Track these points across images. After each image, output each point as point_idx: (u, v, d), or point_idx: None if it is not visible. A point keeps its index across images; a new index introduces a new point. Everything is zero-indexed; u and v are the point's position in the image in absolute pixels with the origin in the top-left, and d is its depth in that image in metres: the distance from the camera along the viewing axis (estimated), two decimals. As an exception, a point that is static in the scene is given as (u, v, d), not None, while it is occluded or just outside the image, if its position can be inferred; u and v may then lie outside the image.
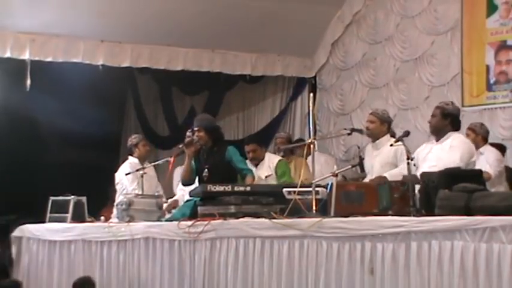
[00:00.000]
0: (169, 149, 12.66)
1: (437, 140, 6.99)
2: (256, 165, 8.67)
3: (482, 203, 5.34)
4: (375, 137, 7.59)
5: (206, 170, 7.88)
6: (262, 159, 8.69)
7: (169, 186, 10.01)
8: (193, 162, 8.00)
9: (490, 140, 9.05)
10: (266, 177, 8.59)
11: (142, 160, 9.34)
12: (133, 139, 9.60)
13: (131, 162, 9.40)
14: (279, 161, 8.74)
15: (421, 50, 11.01)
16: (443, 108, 7.03)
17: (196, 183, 7.99)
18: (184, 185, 8.28)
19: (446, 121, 6.98)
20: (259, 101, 13.03)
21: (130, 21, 10.68)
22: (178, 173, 9.96)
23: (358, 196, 6.26)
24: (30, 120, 11.79)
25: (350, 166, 7.78)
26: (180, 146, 7.99)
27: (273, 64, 12.16)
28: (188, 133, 9.10)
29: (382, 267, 5.55)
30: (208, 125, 7.98)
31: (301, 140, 10.60)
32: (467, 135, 8.92)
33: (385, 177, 6.88)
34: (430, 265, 5.25)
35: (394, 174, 6.84)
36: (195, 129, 7.93)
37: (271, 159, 8.74)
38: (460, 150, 6.80)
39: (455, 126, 7.03)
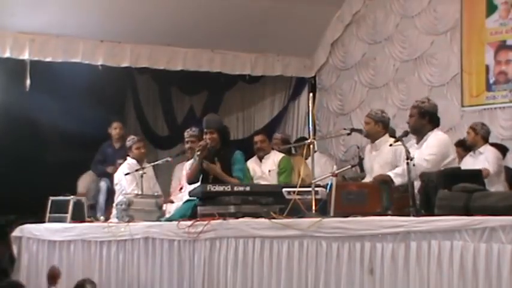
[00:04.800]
0: (168, 149, 12.66)
1: (417, 142, 6.99)
2: (261, 159, 9.14)
3: (482, 203, 5.35)
4: (372, 137, 7.61)
5: None
6: (268, 152, 9.20)
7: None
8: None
9: (490, 140, 9.06)
10: (269, 171, 9.00)
11: (140, 161, 9.34)
12: (128, 141, 9.61)
13: (129, 163, 9.41)
14: (283, 157, 9.15)
15: (420, 50, 11.01)
16: (419, 107, 7.00)
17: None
18: (189, 183, 8.29)
19: (424, 120, 6.96)
20: (259, 101, 13.03)
21: (129, 21, 10.68)
22: (176, 173, 9.98)
23: (360, 196, 6.26)
24: (30, 120, 11.77)
25: (350, 166, 7.79)
26: (198, 152, 7.89)
27: (272, 64, 12.15)
28: (186, 133, 9.13)
29: (381, 267, 5.56)
30: (221, 127, 8.02)
31: (304, 138, 10.61)
32: (468, 134, 8.98)
33: (388, 175, 6.87)
34: (430, 265, 5.25)
35: (398, 174, 6.81)
36: (208, 130, 7.90)
37: (276, 155, 9.20)
38: (431, 147, 6.80)
39: (434, 123, 7.00)
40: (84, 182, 11.10)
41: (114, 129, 10.87)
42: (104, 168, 10.67)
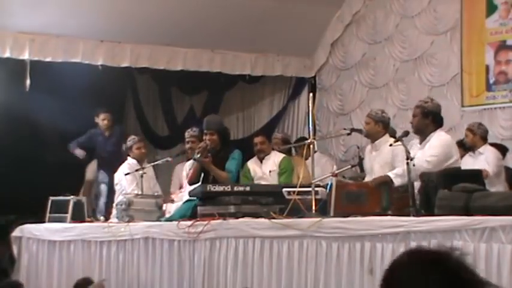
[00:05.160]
0: (168, 149, 12.66)
1: (420, 142, 6.98)
2: (261, 160, 9.06)
3: (482, 203, 5.35)
4: (372, 137, 7.61)
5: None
6: (269, 153, 9.08)
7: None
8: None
9: (490, 140, 9.06)
10: (270, 171, 8.94)
11: (140, 161, 9.35)
12: (128, 141, 9.63)
13: (129, 163, 9.41)
14: (283, 158, 9.07)
15: (420, 50, 11.00)
16: (422, 107, 6.99)
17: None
18: (190, 184, 8.30)
19: (427, 120, 6.94)
20: (259, 101, 13.02)
21: (129, 21, 10.68)
22: (176, 172, 9.98)
23: (360, 196, 6.27)
24: (30, 120, 11.76)
25: (350, 166, 7.80)
26: (197, 155, 7.91)
27: (272, 64, 12.15)
28: (187, 133, 9.14)
29: (381, 267, 5.55)
30: (221, 129, 8.03)
31: (304, 138, 10.62)
32: (466, 136, 8.97)
33: (387, 176, 6.87)
34: (430, 265, 5.24)
35: (398, 175, 6.81)
36: (208, 132, 7.91)
37: (277, 156, 9.11)
38: (433, 147, 6.80)
39: (437, 123, 6.99)
40: (93, 168, 11.16)
41: (102, 121, 10.93)
42: (75, 147, 10.85)
